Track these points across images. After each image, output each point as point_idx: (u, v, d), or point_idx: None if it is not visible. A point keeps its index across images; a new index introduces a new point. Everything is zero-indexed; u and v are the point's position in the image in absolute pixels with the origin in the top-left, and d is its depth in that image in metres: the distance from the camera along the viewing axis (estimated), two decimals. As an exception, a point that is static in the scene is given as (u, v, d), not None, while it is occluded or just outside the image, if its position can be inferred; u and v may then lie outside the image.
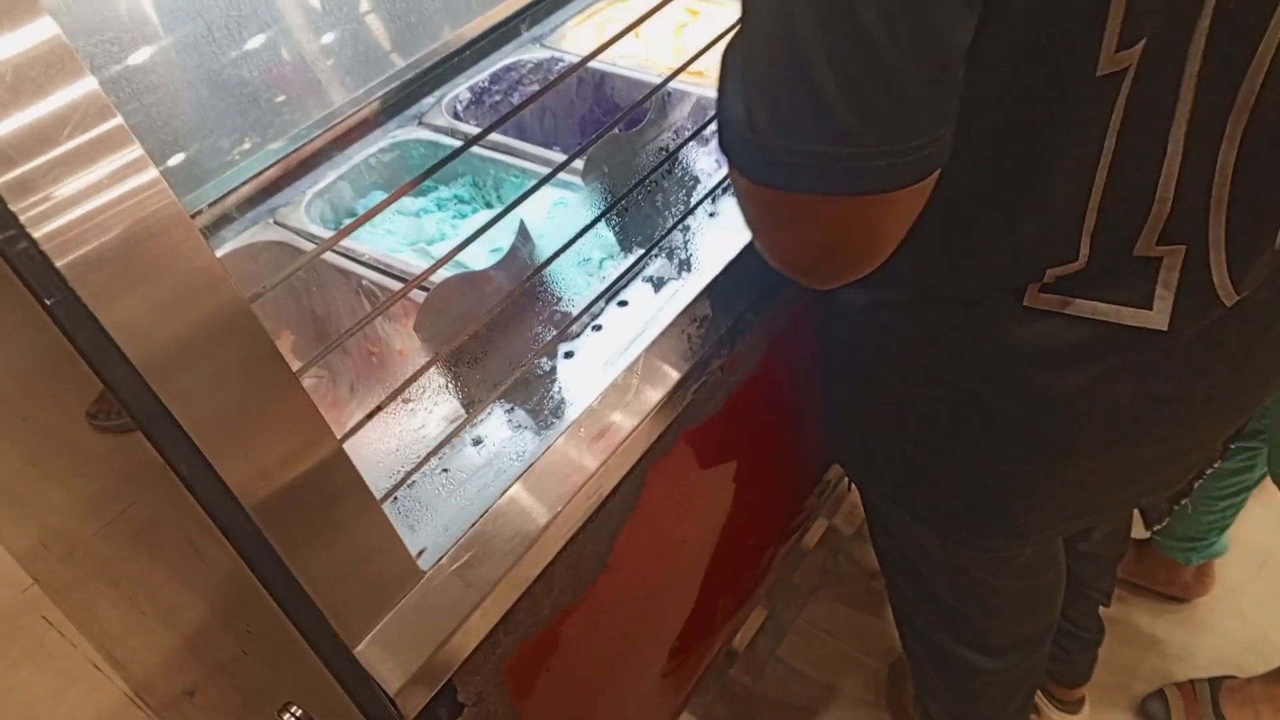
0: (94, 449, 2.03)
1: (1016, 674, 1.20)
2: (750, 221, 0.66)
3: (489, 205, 1.28)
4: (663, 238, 0.87)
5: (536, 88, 1.44)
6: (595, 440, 0.74)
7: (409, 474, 0.68)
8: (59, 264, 0.43)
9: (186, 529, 0.67)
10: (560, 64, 1.43)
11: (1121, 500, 0.97)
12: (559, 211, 1.15)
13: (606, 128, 0.83)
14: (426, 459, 0.69)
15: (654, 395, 0.78)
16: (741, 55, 0.57)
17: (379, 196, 1.25)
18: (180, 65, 1.21)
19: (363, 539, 0.60)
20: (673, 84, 1.24)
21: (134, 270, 0.46)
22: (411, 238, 1.23)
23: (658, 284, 0.88)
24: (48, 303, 0.44)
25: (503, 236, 1.17)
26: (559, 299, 0.79)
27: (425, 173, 0.73)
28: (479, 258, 1.13)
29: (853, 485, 1.51)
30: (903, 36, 0.51)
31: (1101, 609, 1.42)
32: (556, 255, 0.76)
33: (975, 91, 0.57)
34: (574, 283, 0.83)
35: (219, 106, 1.21)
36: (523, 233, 0.76)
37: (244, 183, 1.17)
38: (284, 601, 0.57)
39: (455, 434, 0.72)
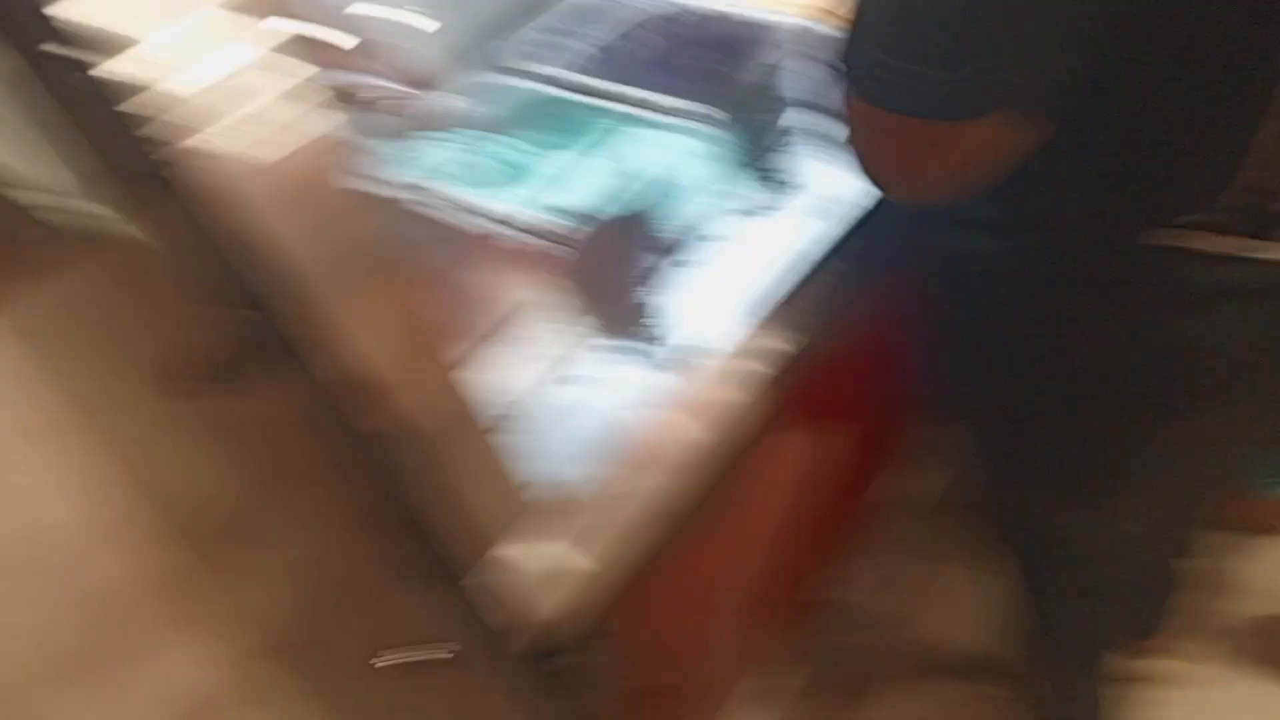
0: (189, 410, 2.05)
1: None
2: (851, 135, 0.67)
3: (565, 144, 1.26)
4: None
5: (612, 28, 1.41)
6: (717, 380, 0.74)
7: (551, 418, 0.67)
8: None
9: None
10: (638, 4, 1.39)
11: (1235, 454, 0.95)
12: (652, 153, 1.13)
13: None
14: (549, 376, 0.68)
15: (775, 338, 0.77)
16: None
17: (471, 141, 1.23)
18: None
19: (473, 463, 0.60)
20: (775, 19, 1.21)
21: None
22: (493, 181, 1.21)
23: (781, 223, 0.86)
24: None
25: (598, 178, 1.16)
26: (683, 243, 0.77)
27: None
28: (567, 198, 1.11)
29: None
30: None
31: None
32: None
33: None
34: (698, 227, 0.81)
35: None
36: (654, 185, 0.74)
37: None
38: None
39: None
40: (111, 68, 0.41)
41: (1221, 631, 1.54)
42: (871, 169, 0.68)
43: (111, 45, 0.40)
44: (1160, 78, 0.61)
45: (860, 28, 0.59)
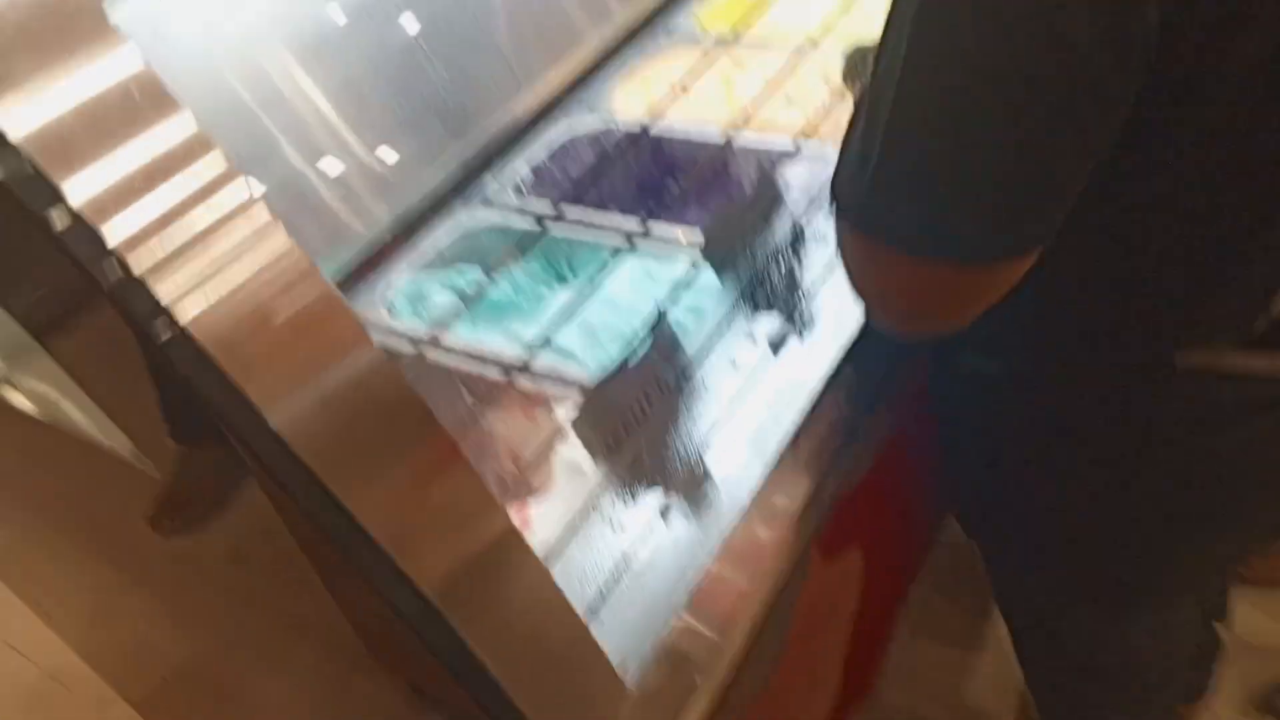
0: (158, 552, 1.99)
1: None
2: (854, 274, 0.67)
3: (561, 278, 1.27)
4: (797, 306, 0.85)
5: (593, 159, 1.44)
6: (765, 524, 0.72)
7: (608, 587, 0.65)
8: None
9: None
10: (615, 133, 1.42)
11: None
12: (647, 284, 1.14)
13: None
14: (622, 570, 0.67)
15: (811, 473, 0.76)
16: (883, 126, 0.57)
17: (452, 278, 1.23)
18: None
19: (573, 657, 0.57)
20: (744, 141, 1.24)
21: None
22: (496, 322, 1.21)
23: (794, 353, 0.86)
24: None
25: (591, 312, 1.16)
26: (701, 381, 0.76)
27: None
28: (572, 337, 1.11)
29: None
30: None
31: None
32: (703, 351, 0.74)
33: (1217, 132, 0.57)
34: (711, 363, 0.81)
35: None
36: (662, 322, 0.74)
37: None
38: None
39: (640, 540, 0.69)
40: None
41: (1249, 689, 1.52)
42: (874, 304, 0.68)
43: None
44: (1190, 195, 0.61)
45: (863, 165, 0.58)
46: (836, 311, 0.88)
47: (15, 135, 0.36)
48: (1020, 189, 0.56)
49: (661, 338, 0.74)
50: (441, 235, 1.26)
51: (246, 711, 1.83)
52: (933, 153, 0.55)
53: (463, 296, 1.23)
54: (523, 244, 1.28)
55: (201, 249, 0.41)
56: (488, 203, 1.30)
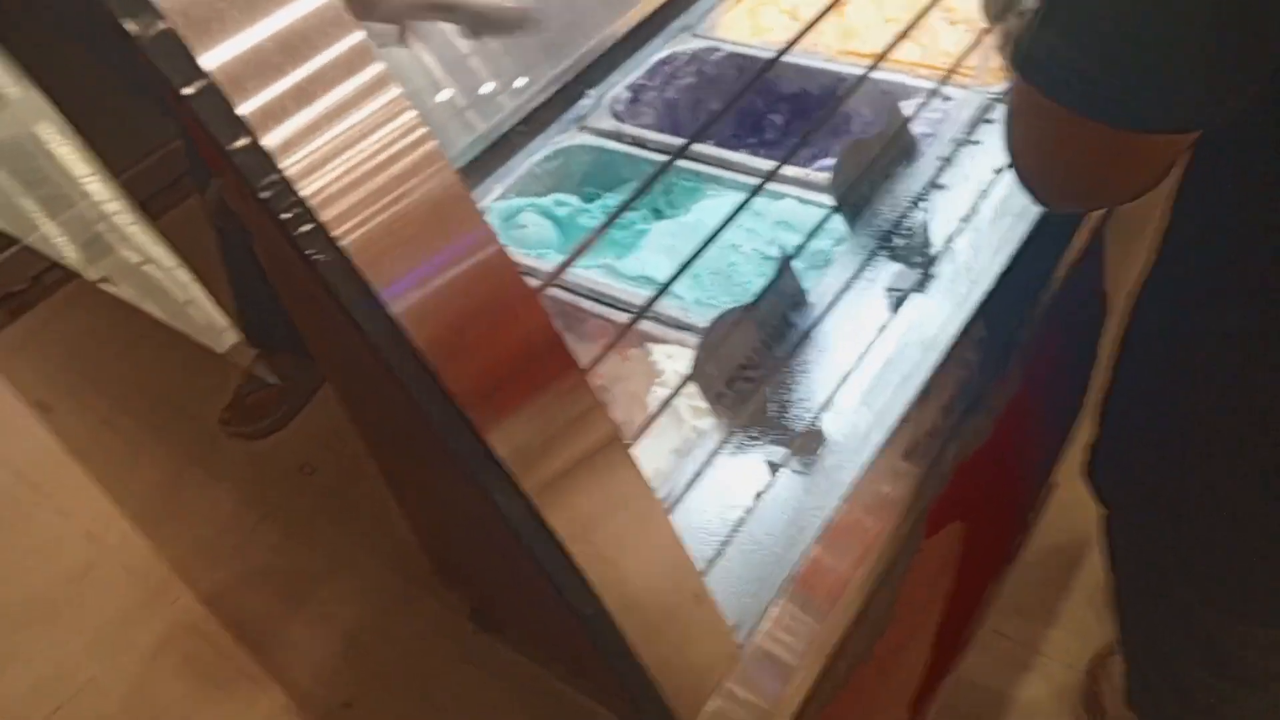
0: (228, 454, 2.03)
1: None
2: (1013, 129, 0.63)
3: (657, 211, 1.22)
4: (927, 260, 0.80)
5: (692, 80, 1.37)
6: (881, 487, 0.68)
7: (722, 546, 0.62)
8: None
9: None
10: (718, 53, 1.35)
11: None
12: (751, 219, 1.08)
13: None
14: (735, 528, 0.63)
15: (930, 435, 0.71)
16: None
17: (548, 205, 1.19)
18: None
19: (686, 606, 0.54)
20: (855, 69, 1.17)
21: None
22: (586, 255, 1.17)
23: (920, 308, 0.80)
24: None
25: (689, 246, 1.11)
26: (821, 332, 0.72)
27: (640, 189, 0.67)
28: (666, 268, 1.06)
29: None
30: None
31: None
32: (833, 302, 0.69)
33: None
34: (830, 313, 0.76)
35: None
36: (786, 266, 0.69)
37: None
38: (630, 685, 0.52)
39: (758, 498, 0.65)
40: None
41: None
42: (1031, 167, 0.64)
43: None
44: None
45: (1052, 22, 0.55)
46: (968, 265, 0.82)
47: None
48: (1204, 51, 0.51)
49: (785, 283, 0.69)
50: (536, 156, 1.21)
51: (308, 617, 1.86)
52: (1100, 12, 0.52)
53: (556, 221, 1.19)
54: (619, 170, 1.23)
55: (335, 128, 0.37)
56: (583, 124, 1.25)
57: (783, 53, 0.73)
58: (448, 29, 1.27)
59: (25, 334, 2.48)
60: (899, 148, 0.79)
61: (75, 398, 2.26)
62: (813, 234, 0.67)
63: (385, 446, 1.13)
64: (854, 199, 0.74)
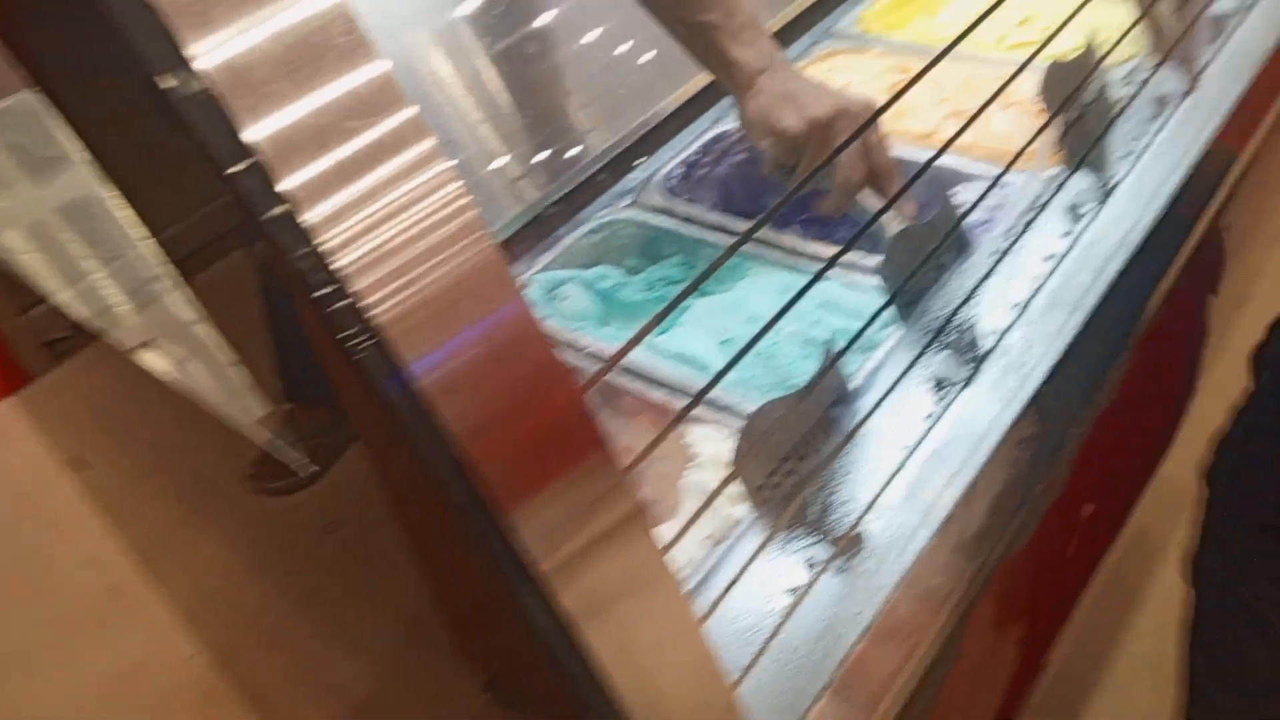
0: (252, 511, 2.01)
1: None
2: None
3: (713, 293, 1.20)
4: (981, 354, 0.77)
5: (745, 157, 1.37)
6: (921, 593, 0.65)
7: (757, 656, 0.59)
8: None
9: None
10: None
11: None
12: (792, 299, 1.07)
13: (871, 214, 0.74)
14: (773, 635, 0.60)
15: (977, 537, 0.68)
16: None
17: (590, 278, 1.18)
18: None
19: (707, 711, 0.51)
20: (907, 152, 1.16)
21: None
22: (625, 328, 1.15)
23: (969, 402, 0.77)
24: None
25: (731, 325, 1.09)
26: (865, 425, 0.69)
27: (705, 274, 0.65)
28: (706, 345, 1.05)
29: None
30: None
31: None
32: (884, 398, 0.66)
33: None
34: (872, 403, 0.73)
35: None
36: (832, 360, 0.66)
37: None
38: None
39: (797, 603, 0.62)
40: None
41: None
42: None
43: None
44: None
45: None
46: (1020, 359, 0.79)
47: (202, 64, 0.31)
48: None
49: (830, 378, 0.67)
50: (582, 229, 1.21)
51: (320, 683, 1.83)
52: None
53: (599, 295, 1.18)
54: (664, 245, 1.22)
55: (379, 201, 0.36)
56: (635, 198, 1.24)
57: (842, 149, 0.72)
58: (505, 91, 1.28)
59: (63, 381, 2.51)
60: (950, 237, 0.77)
61: (109, 448, 2.27)
62: (862, 330, 0.64)
63: (409, 511, 1.11)
64: (904, 288, 0.72)
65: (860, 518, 0.66)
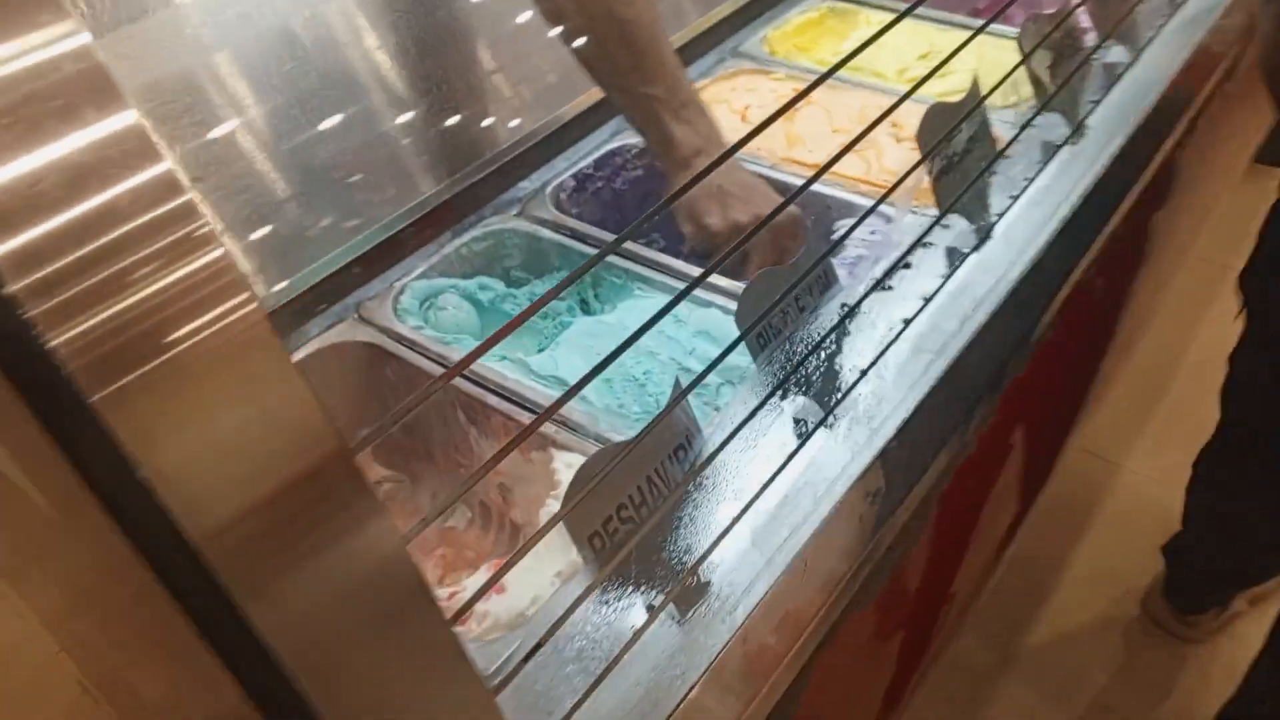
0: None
1: None
2: None
3: (584, 304, 1.18)
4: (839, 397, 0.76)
5: (640, 174, 1.35)
6: (768, 638, 0.63)
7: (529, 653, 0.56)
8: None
9: None
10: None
11: None
12: (672, 326, 1.05)
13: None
14: (551, 632, 0.58)
15: (824, 586, 0.67)
16: None
17: (471, 288, 1.15)
18: (261, 143, 1.13)
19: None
20: (797, 179, 1.14)
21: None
22: (504, 343, 1.12)
23: (823, 445, 0.77)
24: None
25: (607, 348, 1.07)
26: (716, 464, 0.67)
27: (564, 282, 0.62)
28: (579, 369, 1.02)
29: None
30: None
31: None
32: (720, 448, 0.65)
33: None
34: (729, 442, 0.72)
35: (301, 188, 1.12)
36: (678, 397, 0.64)
37: (327, 276, 1.08)
38: None
39: (622, 653, 0.60)
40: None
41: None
42: None
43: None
44: None
45: None
46: (879, 401, 0.78)
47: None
48: None
49: (676, 418, 0.65)
50: (467, 236, 1.18)
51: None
52: None
53: (478, 306, 1.15)
54: (551, 259, 1.19)
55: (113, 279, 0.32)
56: (520, 209, 1.21)
57: (726, 156, 0.71)
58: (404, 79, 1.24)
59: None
60: (815, 276, 0.76)
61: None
62: (702, 376, 0.63)
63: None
64: (761, 329, 0.71)
65: (696, 564, 0.64)
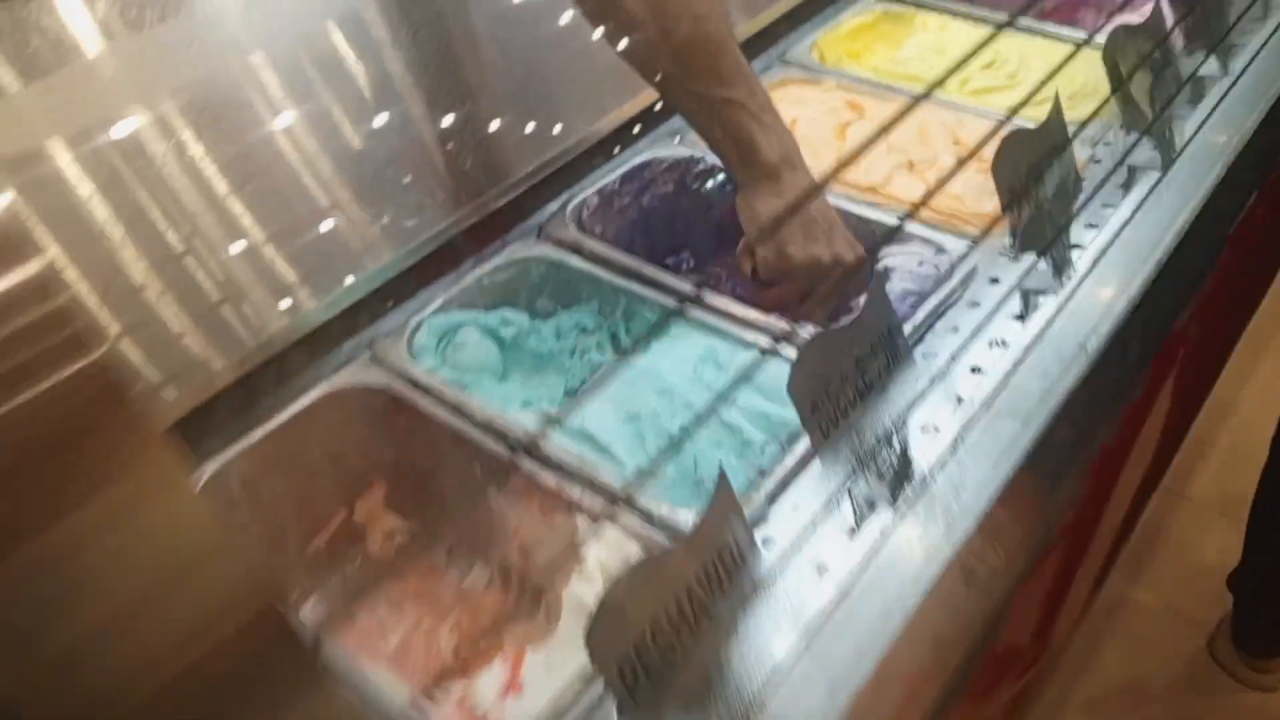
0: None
1: None
2: None
3: (614, 338, 1.08)
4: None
5: (670, 189, 1.25)
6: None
7: None
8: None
9: None
10: (702, 164, 1.23)
11: None
12: (712, 371, 0.95)
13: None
14: None
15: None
16: None
17: (493, 323, 1.05)
18: (280, 165, 1.06)
19: None
20: (849, 204, 1.04)
21: None
22: (528, 385, 1.02)
23: (894, 539, 0.66)
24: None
25: (640, 397, 0.96)
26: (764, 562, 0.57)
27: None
28: (610, 423, 0.92)
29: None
30: None
31: None
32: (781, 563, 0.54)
33: None
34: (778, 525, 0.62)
35: (308, 219, 1.05)
36: (725, 492, 0.54)
37: (339, 313, 0.99)
38: None
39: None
40: None
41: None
42: None
43: None
44: None
45: None
46: (956, 487, 0.68)
47: None
48: None
49: (729, 526, 0.55)
50: (487, 265, 1.08)
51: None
52: None
53: (499, 342, 1.05)
54: (578, 288, 1.09)
55: None
56: (539, 231, 1.12)
57: (832, 176, 0.60)
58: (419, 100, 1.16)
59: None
60: (880, 342, 0.65)
61: None
62: (745, 387, 0.53)
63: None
64: (819, 403, 0.61)
65: (749, 703, 0.54)
